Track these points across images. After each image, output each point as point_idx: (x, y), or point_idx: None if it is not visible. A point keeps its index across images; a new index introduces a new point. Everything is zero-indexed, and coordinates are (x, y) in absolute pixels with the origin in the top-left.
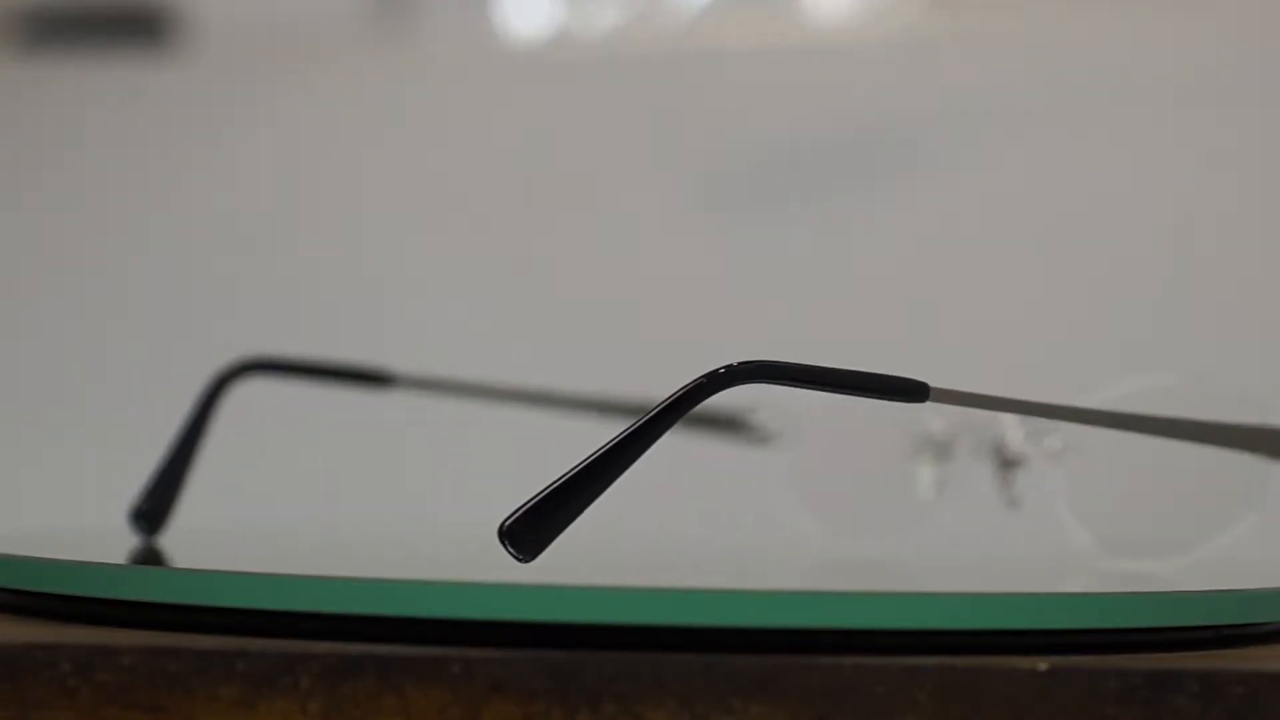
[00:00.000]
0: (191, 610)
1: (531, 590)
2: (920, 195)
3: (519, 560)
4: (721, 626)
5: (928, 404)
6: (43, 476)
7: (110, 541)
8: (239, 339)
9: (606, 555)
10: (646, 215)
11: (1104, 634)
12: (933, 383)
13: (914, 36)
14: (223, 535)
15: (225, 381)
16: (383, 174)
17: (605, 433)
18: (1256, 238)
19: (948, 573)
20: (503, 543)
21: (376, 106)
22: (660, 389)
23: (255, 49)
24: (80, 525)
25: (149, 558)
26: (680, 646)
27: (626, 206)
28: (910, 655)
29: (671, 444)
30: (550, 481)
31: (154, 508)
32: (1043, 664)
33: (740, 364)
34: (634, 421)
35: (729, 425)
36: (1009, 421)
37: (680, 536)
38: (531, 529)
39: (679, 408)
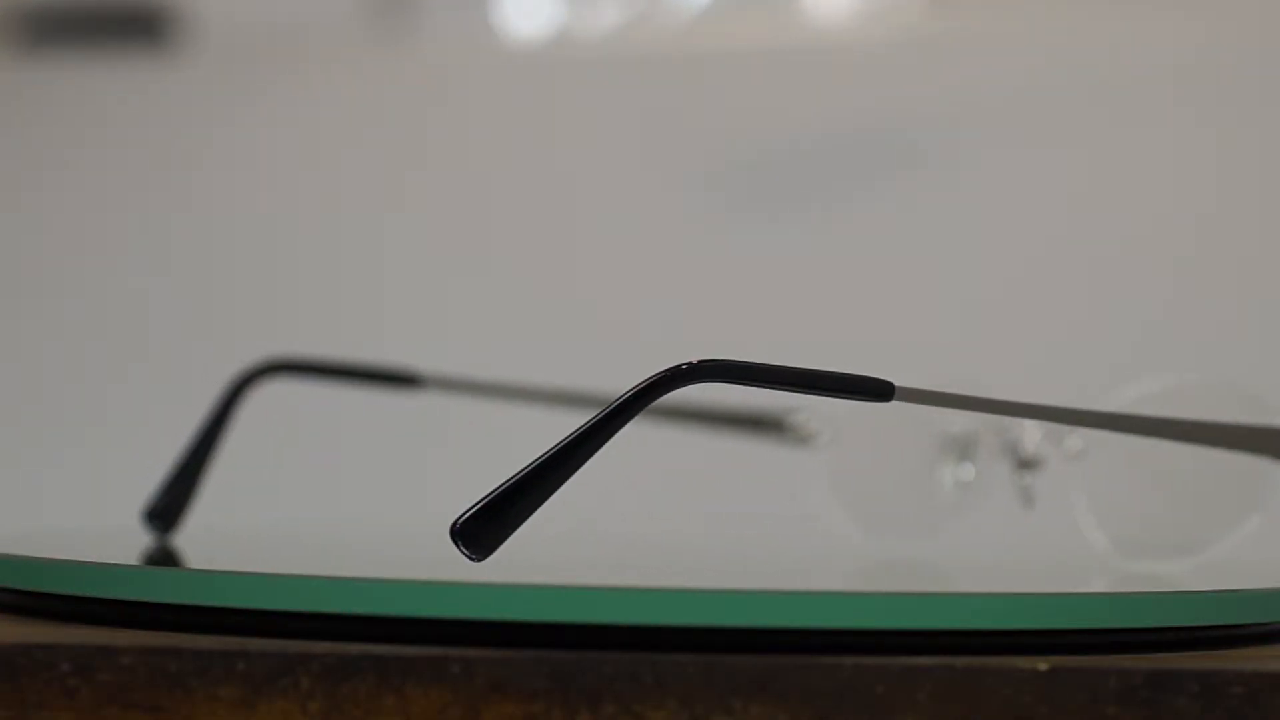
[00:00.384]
0: (191, 610)
1: (531, 590)
2: (920, 195)
3: (471, 559)
4: (721, 626)
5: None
6: (46, 478)
7: (122, 540)
8: (239, 339)
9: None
10: (646, 215)
11: (1104, 634)
12: (933, 383)
13: (914, 36)
14: (235, 536)
15: (247, 382)
16: (382, 174)
17: (630, 431)
18: (1257, 237)
19: (973, 572)
20: (455, 541)
21: (376, 107)
22: None
23: (255, 49)
24: (98, 525)
25: (160, 557)
26: (680, 646)
27: (626, 206)
28: (910, 655)
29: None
30: (503, 480)
31: (167, 507)
32: (1043, 664)
33: (698, 363)
34: (586, 421)
35: (769, 426)
36: (1028, 422)
37: (714, 539)
38: (484, 528)
39: (631, 406)
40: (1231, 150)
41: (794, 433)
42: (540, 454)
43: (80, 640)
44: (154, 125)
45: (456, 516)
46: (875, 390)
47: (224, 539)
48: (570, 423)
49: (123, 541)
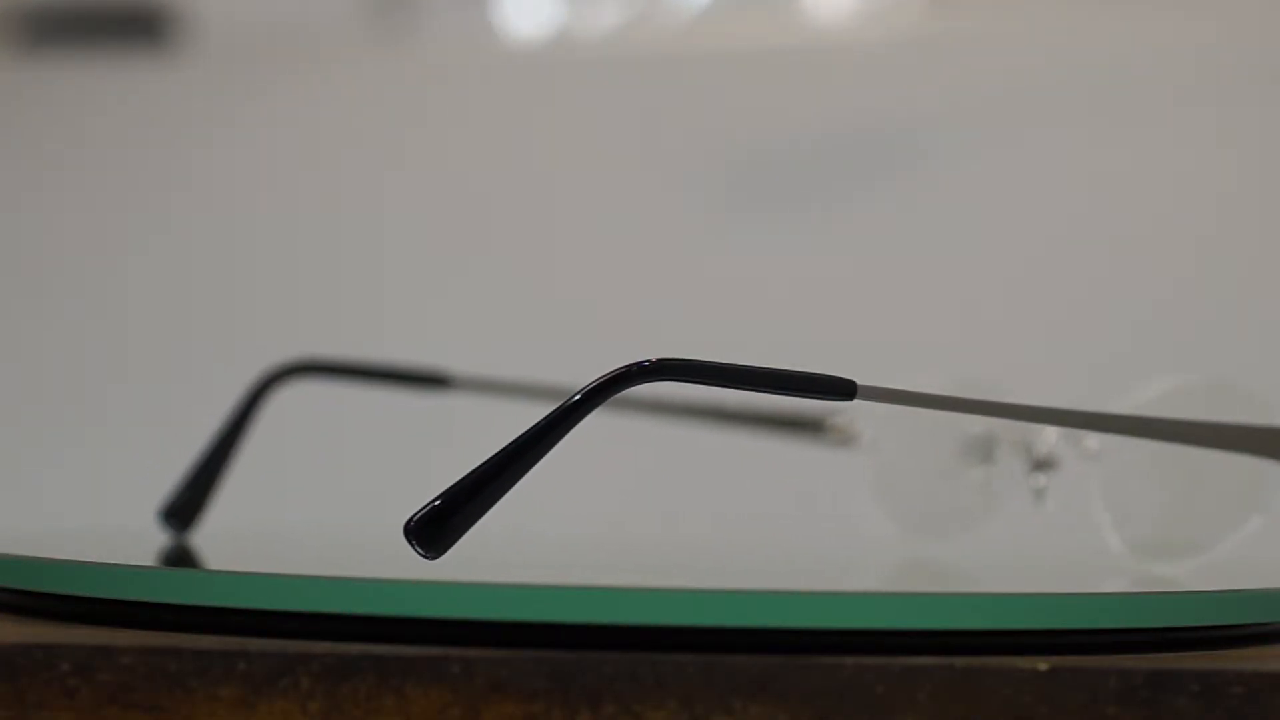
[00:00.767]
0: (191, 610)
1: (531, 590)
2: (920, 195)
3: (425, 558)
4: (721, 626)
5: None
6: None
7: (134, 540)
8: (239, 339)
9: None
10: (646, 215)
11: (1104, 634)
12: (933, 383)
13: (914, 36)
14: (247, 536)
15: (270, 383)
16: (382, 174)
17: (645, 431)
18: (1257, 237)
19: (986, 573)
20: (408, 540)
21: (376, 106)
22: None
23: (255, 49)
24: (94, 525)
25: (174, 556)
26: (680, 646)
27: (626, 206)
28: (910, 655)
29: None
30: (457, 478)
31: (184, 507)
32: (1043, 664)
33: (656, 361)
34: (541, 420)
35: (809, 427)
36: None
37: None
38: (438, 527)
39: (584, 405)
40: (1231, 150)
41: (835, 434)
42: (494, 452)
43: (80, 640)
44: (154, 125)
45: (410, 515)
46: (837, 389)
47: (237, 539)
48: (592, 422)
49: (134, 541)
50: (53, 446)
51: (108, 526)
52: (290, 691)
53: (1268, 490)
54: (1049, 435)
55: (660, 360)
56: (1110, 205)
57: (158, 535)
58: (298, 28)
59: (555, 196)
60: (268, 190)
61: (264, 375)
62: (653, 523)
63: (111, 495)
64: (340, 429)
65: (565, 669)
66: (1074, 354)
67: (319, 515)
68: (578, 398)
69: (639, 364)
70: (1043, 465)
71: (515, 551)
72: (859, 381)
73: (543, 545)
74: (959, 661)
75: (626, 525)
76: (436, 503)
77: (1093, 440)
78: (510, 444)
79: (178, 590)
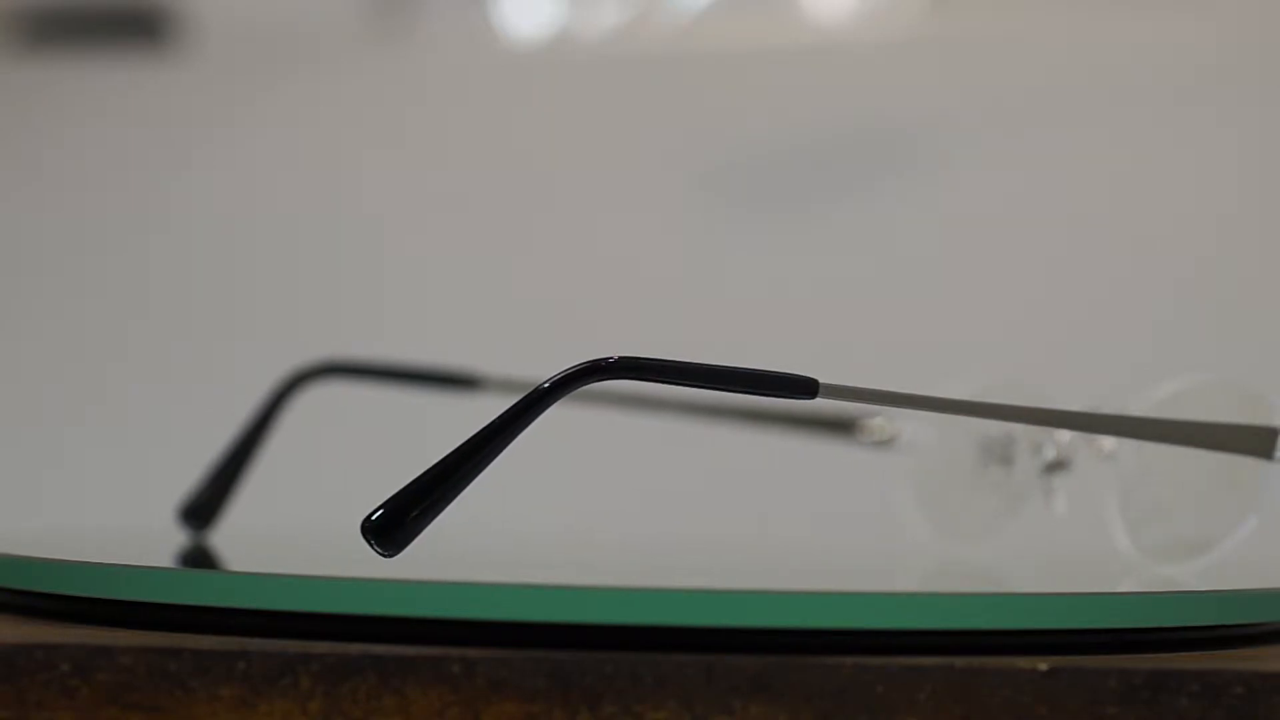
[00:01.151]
0: (191, 610)
1: (531, 590)
2: (920, 195)
3: (383, 556)
4: (721, 626)
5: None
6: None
7: (156, 540)
8: (238, 339)
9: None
10: (646, 215)
11: (1104, 634)
12: (933, 384)
13: (914, 36)
14: (263, 537)
15: (296, 384)
16: (382, 174)
17: (662, 430)
18: (1256, 237)
19: (998, 573)
20: (365, 539)
21: (376, 107)
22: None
23: (255, 49)
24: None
25: (189, 556)
26: (680, 646)
27: (626, 206)
28: (910, 655)
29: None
30: (413, 477)
31: (202, 506)
32: (1043, 664)
33: (617, 359)
34: (494, 420)
35: (845, 429)
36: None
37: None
38: (394, 525)
39: (540, 403)
40: (1232, 150)
41: (872, 436)
42: (450, 450)
43: (80, 640)
44: (154, 125)
45: (367, 513)
46: (798, 387)
47: (251, 539)
48: (602, 423)
49: (152, 541)
50: (48, 446)
51: (123, 526)
52: (290, 691)
53: (1266, 490)
54: (1061, 437)
55: (622, 358)
56: (1110, 205)
57: (177, 535)
58: (298, 28)
59: (555, 196)
60: (267, 190)
61: (289, 376)
62: (646, 524)
63: (110, 494)
64: (358, 430)
65: (565, 669)
66: (1074, 354)
67: (338, 516)
68: (532, 397)
69: (600, 361)
70: (1054, 467)
71: (522, 552)
72: (821, 380)
73: (542, 546)
74: (959, 661)
75: (625, 528)
76: (392, 502)
77: (1108, 441)
78: (465, 442)
79: (178, 590)
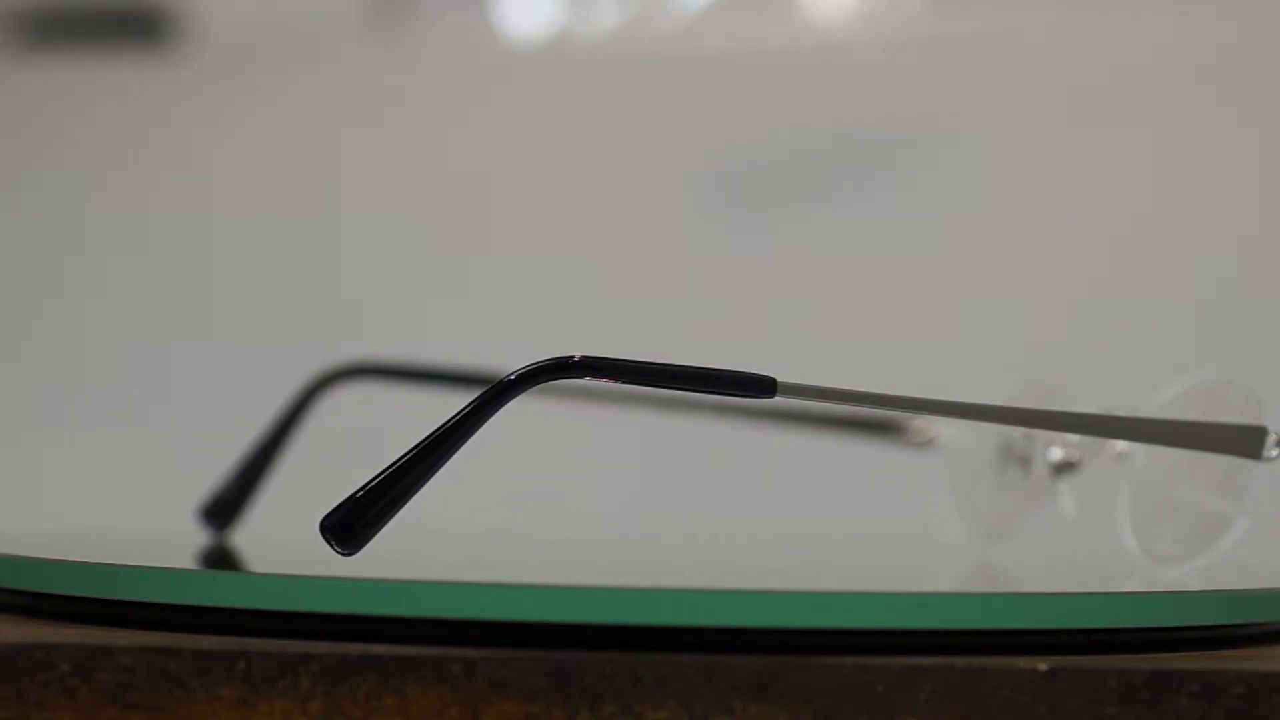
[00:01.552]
0: (191, 610)
1: (531, 590)
2: (920, 195)
3: (342, 555)
4: (721, 626)
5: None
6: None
7: (175, 541)
8: (237, 339)
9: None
10: (646, 215)
11: (1104, 634)
12: (935, 384)
13: (914, 36)
14: (284, 538)
15: (321, 386)
16: (382, 173)
17: (681, 428)
18: (1258, 237)
19: (1005, 573)
20: (324, 537)
21: (376, 107)
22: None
23: (255, 49)
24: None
25: (209, 556)
26: (680, 646)
27: (626, 206)
28: (910, 655)
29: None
30: (371, 476)
31: (224, 507)
32: (1043, 664)
33: (577, 358)
34: (451, 416)
35: (887, 430)
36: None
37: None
38: (353, 524)
39: (496, 401)
40: (1232, 150)
41: (912, 436)
42: (408, 448)
43: (80, 640)
44: (153, 125)
45: (326, 512)
46: (756, 386)
47: (268, 541)
48: (621, 421)
49: (170, 542)
50: (48, 445)
51: (143, 528)
52: (290, 691)
53: (1256, 490)
54: (1070, 438)
55: (584, 357)
56: (1109, 205)
57: (198, 536)
58: (298, 28)
59: (555, 196)
60: (267, 190)
61: (317, 377)
62: (667, 524)
63: (109, 494)
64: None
65: (565, 669)
66: (1074, 354)
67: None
68: (479, 402)
69: (561, 359)
70: (1063, 468)
71: (523, 552)
72: (779, 379)
73: (543, 546)
74: (959, 661)
75: (627, 527)
76: (350, 501)
77: (1121, 442)
78: (422, 440)
79: (178, 590)
